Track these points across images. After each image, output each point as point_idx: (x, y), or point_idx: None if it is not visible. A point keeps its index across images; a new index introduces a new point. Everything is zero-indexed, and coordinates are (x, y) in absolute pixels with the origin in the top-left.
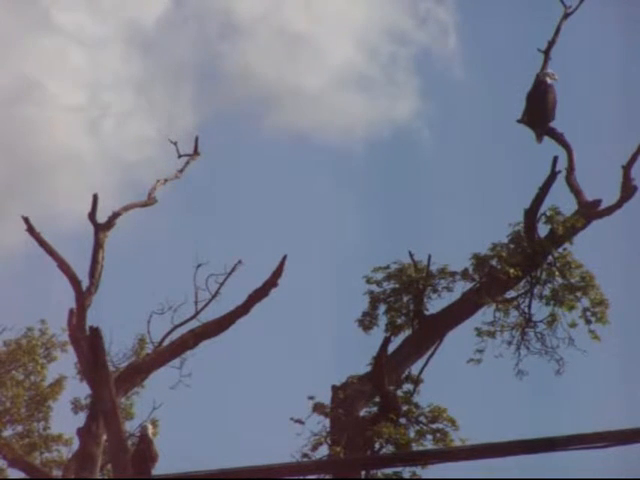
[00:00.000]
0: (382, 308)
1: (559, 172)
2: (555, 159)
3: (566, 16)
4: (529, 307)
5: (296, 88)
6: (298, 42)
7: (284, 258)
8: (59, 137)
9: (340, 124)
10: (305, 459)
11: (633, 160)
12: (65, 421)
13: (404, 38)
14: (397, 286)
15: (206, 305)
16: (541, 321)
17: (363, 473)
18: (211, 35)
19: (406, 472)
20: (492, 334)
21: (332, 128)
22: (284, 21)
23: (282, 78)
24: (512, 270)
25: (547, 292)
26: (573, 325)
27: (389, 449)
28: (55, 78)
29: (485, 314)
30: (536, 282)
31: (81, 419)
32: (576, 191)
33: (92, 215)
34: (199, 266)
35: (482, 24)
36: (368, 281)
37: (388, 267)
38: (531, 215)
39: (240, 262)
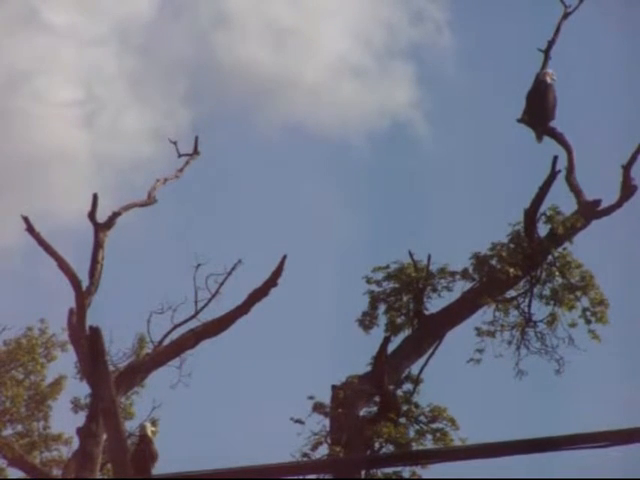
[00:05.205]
0: (382, 308)
1: (559, 172)
2: (555, 159)
3: (566, 16)
4: (529, 307)
5: (292, 80)
6: (292, 34)
7: (284, 258)
8: (53, 134)
9: (337, 115)
10: (305, 459)
11: (633, 160)
12: (65, 420)
13: (398, 32)
14: (397, 286)
15: (206, 305)
16: (541, 321)
17: (363, 473)
18: (204, 29)
19: (406, 472)
20: (492, 334)
21: (329, 120)
22: (278, 13)
23: (277, 70)
24: (512, 270)
25: (547, 292)
26: (573, 325)
27: (389, 449)
28: (49, 75)
29: (485, 314)
30: (536, 282)
31: (81, 419)
32: (576, 191)
33: (92, 215)
34: (199, 266)
35: (481, 24)
36: (368, 281)
37: (388, 267)
38: (531, 215)
39: (240, 262)
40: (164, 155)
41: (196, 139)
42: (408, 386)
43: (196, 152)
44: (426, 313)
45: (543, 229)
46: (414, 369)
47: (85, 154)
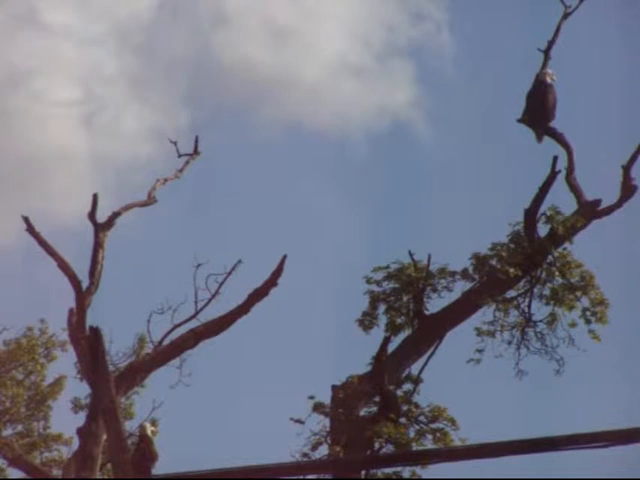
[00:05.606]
0: (382, 308)
1: (559, 172)
2: (555, 159)
3: (566, 16)
4: (529, 307)
5: (291, 80)
6: (292, 34)
7: (284, 258)
8: (53, 134)
9: (337, 115)
10: (305, 459)
11: (633, 160)
12: (65, 421)
13: (398, 32)
14: (397, 286)
15: (206, 305)
16: (541, 321)
17: (363, 473)
18: (204, 29)
19: (406, 472)
20: (492, 334)
21: (329, 119)
22: (278, 13)
23: (277, 70)
24: (512, 270)
25: (547, 292)
26: (573, 325)
27: (389, 449)
28: (49, 75)
29: (485, 314)
30: (536, 282)
31: (81, 419)
32: (576, 191)
33: (92, 215)
34: (199, 266)
35: (481, 24)
36: (368, 281)
37: (388, 267)
38: (531, 215)
39: (240, 262)
40: (164, 155)
41: (196, 139)
42: (408, 386)
43: (196, 152)
44: (426, 313)
45: (543, 229)
46: (414, 369)
47: (85, 154)
